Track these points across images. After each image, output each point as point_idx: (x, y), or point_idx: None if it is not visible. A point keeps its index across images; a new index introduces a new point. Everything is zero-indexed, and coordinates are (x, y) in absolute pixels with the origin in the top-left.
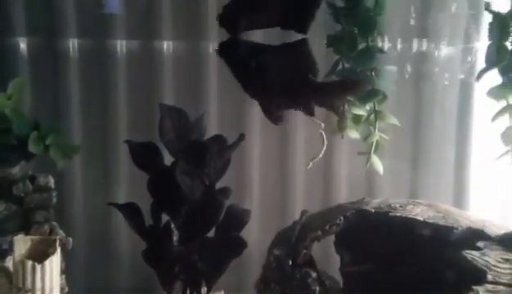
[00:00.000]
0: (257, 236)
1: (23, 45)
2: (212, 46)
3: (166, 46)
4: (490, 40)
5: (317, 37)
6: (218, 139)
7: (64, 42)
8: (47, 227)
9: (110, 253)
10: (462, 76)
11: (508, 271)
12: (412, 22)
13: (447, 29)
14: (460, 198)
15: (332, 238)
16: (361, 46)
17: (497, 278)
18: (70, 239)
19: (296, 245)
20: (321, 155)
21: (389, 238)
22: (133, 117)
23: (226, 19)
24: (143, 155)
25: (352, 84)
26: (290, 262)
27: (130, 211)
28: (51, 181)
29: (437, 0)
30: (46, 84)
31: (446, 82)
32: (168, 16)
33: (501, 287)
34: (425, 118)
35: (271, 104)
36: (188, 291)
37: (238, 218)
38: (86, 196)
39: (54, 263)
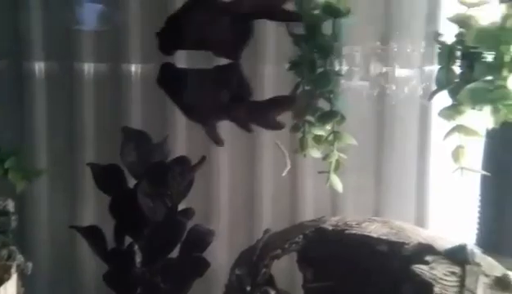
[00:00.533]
0: (225, 256)
1: None
2: None
3: (134, 68)
4: (439, 64)
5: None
6: (180, 160)
7: (30, 65)
8: (5, 252)
9: (75, 277)
10: (420, 97)
11: (454, 283)
12: (373, 46)
13: (407, 52)
14: (421, 214)
15: (295, 256)
16: (320, 69)
17: (444, 291)
18: (30, 264)
19: (257, 264)
20: (288, 166)
21: (347, 255)
22: (100, 139)
23: (164, 43)
24: (105, 177)
25: (283, 100)
26: (250, 282)
27: (92, 234)
28: (11, 205)
29: (397, 25)
30: (12, 106)
31: (406, 103)
32: (137, 40)
33: None
34: (387, 138)
35: (212, 125)
36: None
37: (201, 238)
38: (50, 219)
39: (8, 290)
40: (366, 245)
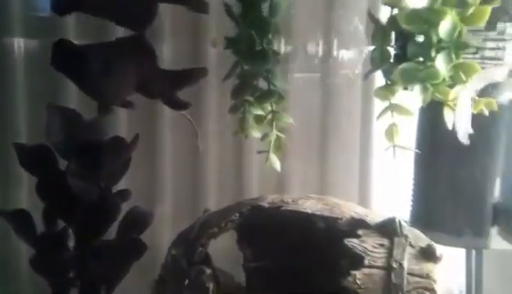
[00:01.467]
0: (169, 238)
1: None
2: None
3: None
4: (374, 44)
5: None
6: (115, 140)
7: None
8: None
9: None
10: (362, 78)
11: (382, 255)
12: (313, 25)
13: (349, 32)
14: (364, 192)
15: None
16: (258, 48)
17: (372, 262)
18: None
19: (193, 243)
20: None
21: (283, 232)
22: (32, 119)
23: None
24: (32, 158)
25: (189, 73)
26: (185, 261)
27: (19, 218)
28: None
29: (339, 4)
30: None
31: (349, 84)
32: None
33: (376, 270)
34: (331, 118)
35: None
36: None
37: (140, 220)
38: None
39: None
40: (302, 221)
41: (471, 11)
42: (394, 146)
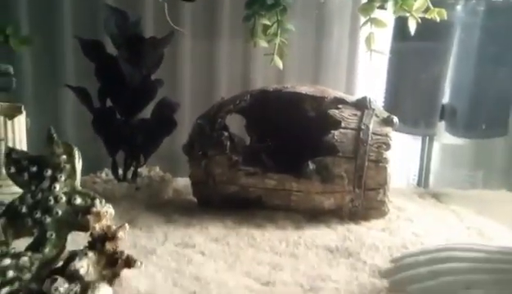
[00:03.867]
0: (188, 122)
1: None
2: None
3: None
4: None
5: None
6: (152, 38)
7: None
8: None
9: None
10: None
11: (355, 121)
12: None
13: None
14: (350, 83)
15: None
16: None
17: (347, 125)
18: (28, 120)
19: (214, 116)
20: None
21: (282, 109)
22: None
23: None
24: (91, 48)
25: None
26: (209, 128)
27: (82, 92)
28: (11, 69)
29: None
30: None
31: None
32: None
33: (349, 131)
34: (326, 23)
35: None
36: (129, 161)
37: (169, 106)
38: (41, 80)
39: (21, 121)
40: (295, 100)
41: None
42: (371, 50)
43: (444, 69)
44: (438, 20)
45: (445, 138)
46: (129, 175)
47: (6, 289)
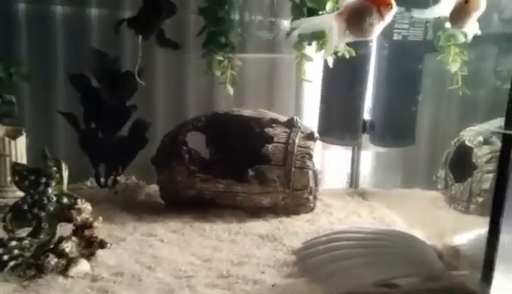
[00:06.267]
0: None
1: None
2: None
3: None
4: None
5: None
6: (127, 72)
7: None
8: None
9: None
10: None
11: (285, 137)
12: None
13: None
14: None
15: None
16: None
17: (278, 140)
18: (27, 140)
19: (176, 134)
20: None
21: (230, 129)
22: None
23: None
24: (77, 80)
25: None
26: (171, 144)
27: (70, 117)
28: (14, 98)
29: None
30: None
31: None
32: None
33: (280, 145)
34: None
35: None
36: (109, 171)
37: (143, 126)
38: (34, 107)
39: (22, 141)
40: (239, 121)
41: None
42: (302, 80)
43: (363, 91)
44: (348, 56)
45: (369, 147)
46: (110, 182)
47: (12, 262)
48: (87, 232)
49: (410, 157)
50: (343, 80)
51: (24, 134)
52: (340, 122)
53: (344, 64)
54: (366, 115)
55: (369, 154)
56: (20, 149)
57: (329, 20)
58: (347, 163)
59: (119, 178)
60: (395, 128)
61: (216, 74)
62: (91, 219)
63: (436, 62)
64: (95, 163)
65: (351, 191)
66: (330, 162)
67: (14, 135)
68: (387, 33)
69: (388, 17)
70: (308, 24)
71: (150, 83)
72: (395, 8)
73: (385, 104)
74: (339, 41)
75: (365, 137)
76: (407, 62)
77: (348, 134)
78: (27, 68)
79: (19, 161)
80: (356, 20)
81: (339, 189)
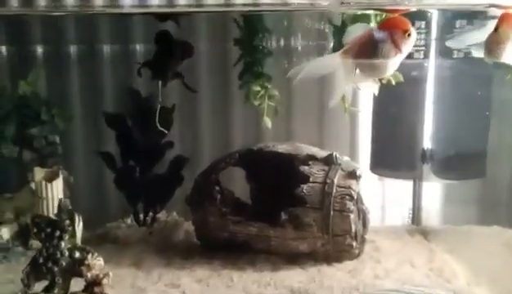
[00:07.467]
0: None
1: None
2: None
3: None
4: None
5: None
6: (162, 108)
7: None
8: (55, 166)
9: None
10: None
11: (322, 175)
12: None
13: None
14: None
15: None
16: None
17: (315, 180)
18: (71, 178)
19: (209, 172)
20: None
21: (263, 167)
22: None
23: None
24: (112, 120)
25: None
26: (203, 184)
27: (107, 156)
28: (57, 138)
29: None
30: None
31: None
32: None
33: (316, 184)
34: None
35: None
36: (147, 209)
37: (179, 163)
38: (83, 149)
39: (59, 183)
40: (276, 157)
41: None
42: (345, 109)
43: (420, 117)
44: (394, 83)
45: (433, 179)
46: (149, 220)
47: None
48: (96, 289)
49: (481, 189)
50: (395, 105)
51: (61, 175)
52: (394, 152)
53: (397, 88)
54: (427, 144)
55: (434, 186)
56: (56, 192)
57: (333, 61)
58: (409, 198)
59: (158, 215)
60: (462, 158)
61: (252, 104)
62: (101, 275)
63: (506, 81)
64: (132, 202)
65: (412, 228)
66: (390, 197)
67: (52, 177)
68: (445, 51)
69: (407, 47)
70: (310, 68)
71: (193, 116)
72: (414, 35)
73: (449, 131)
74: (348, 83)
75: (427, 168)
76: (472, 82)
77: (404, 165)
78: (67, 109)
79: (54, 203)
80: (366, 56)
81: (399, 227)
